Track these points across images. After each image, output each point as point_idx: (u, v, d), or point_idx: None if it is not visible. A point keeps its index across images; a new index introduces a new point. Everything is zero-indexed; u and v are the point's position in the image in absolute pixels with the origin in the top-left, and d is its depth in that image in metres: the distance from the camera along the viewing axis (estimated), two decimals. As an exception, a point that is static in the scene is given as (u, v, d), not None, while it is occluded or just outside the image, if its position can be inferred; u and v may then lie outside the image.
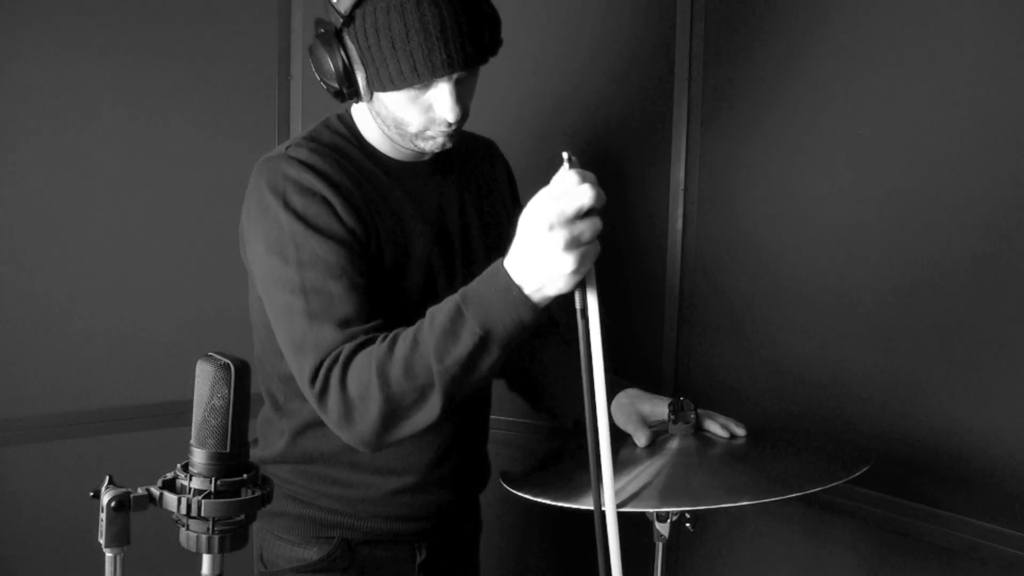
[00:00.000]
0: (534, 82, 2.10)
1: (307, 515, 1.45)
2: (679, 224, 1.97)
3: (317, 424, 1.38)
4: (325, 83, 1.30)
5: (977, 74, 1.55)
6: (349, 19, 1.24)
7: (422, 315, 1.29)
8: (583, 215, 1.06)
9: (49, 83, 2.05)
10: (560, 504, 1.17)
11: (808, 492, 1.16)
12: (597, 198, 1.06)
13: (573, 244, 1.05)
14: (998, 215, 1.53)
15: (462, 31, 1.23)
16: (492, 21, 1.33)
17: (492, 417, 1.61)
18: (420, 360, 1.13)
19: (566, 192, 1.06)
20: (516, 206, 1.59)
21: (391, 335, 1.18)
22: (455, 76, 1.26)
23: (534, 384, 1.60)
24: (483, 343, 1.10)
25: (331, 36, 1.26)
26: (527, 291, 1.08)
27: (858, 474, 1.19)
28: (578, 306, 1.06)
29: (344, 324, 1.22)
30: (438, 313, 1.13)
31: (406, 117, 1.30)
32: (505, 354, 1.12)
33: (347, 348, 1.20)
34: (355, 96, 1.30)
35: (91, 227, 2.12)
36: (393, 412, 1.17)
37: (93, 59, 2.09)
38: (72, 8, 2.05)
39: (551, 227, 1.05)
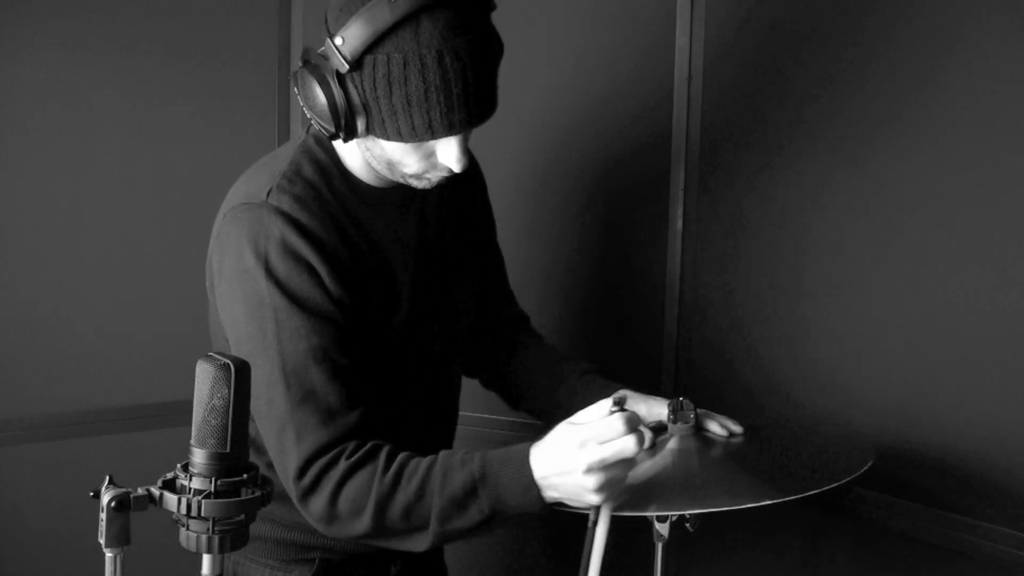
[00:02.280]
0: (534, 82, 2.10)
1: (286, 538, 1.41)
2: (679, 224, 1.97)
3: None
4: (318, 122, 1.18)
5: (978, 73, 1.55)
6: (357, 64, 1.13)
7: (408, 345, 1.35)
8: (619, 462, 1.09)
9: (49, 83, 2.05)
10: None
11: (810, 494, 1.16)
12: (639, 446, 1.08)
13: (604, 486, 1.09)
14: (998, 214, 1.53)
15: (482, 86, 1.16)
16: (501, 57, 1.23)
17: (468, 414, 1.60)
18: (422, 511, 1.15)
19: (610, 439, 1.08)
20: (485, 208, 1.58)
21: (395, 466, 1.17)
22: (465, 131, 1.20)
23: (513, 384, 1.59)
24: (488, 522, 1.14)
25: (329, 75, 1.15)
26: (545, 494, 1.12)
27: (859, 473, 1.19)
28: (590, 522, 1.11)
29: (328, 416, 1.19)
30: (451, 475, 1.15)
31: (404, 160, 1.23)
32: (504, 527, 1.17)
33: (343, 464, 1.18)
34: (350, 137, 1.19)
35: (91, 227, 2.12)
36: (377, 536, 1.19)
37: (93, 59, 2.09)
38: (72, 8, 2.05)
39: (589, 469, 1.08)
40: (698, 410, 1.35)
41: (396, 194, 1.36)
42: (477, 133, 1.59)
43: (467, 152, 1.23)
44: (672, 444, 1.32)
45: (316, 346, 1.20)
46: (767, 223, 1.85)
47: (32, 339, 2.07)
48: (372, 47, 1.12)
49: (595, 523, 1.10)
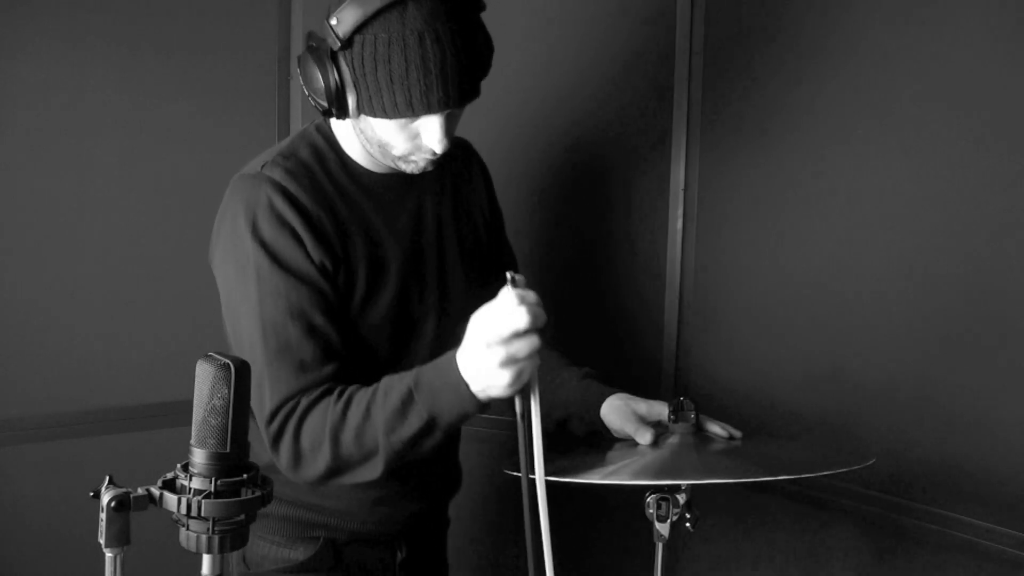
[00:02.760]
0: (534, 83, 2.11)
1: (292, 516, 1.46)
2: (679, 224, 1.97)
3: None
4: (314, 99, 1.28)
5: (977, 74, 1.55)
6: (347, 43, 1.22)
7: (396, 326, 1.40)
8: (520, 334, 1.09)
9: (49, 83, 2.05)
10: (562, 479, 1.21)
11: (810, 476, 1.16)
12: (533, 320, 1.09)
13: (509, 362, 1.10)
14: (999, 215, 1.53)
15: (461, 69, 1.23)
16: (488, 53, 1.32)
17: (480, 416, 1.61)
18: (370, 431, 1.20)
19: (503, 313, 1.10)
20: (492, 206, 1.61)
21: (346, 395, 1.24)
22: (445, 113, 1.27)
23: None
24: (428, 428, 1.18)
25: (324, 54, 1.25)
26: (473, 389, 1.15)
27: (859, 467, 1.19)
28: (518, 411, 1.11)
29: (300, 369, 1.26)
30: (392, 391, 1.20)
31: (392, 141, 1.30)
32: (447, 436, 1.21)
33: (304, 401, 1.25)
34: (343, 115, 1.28)
35: (91, 227, 2.12)
36: (339, 468, 1.24)
37: (93, 59, 2.09)
38: (72, 7, 2.05)
39: (488, 345, 1.10)
40: (700, 415, 1.36)
41: (395, 181, 1.41)
42: (478, 134, 1.59)
43: (450, 135, 1.29)
44: (672, 440, 1.32)
45: (294, 304, 1.27)
46: (767, 223, 1.85)
47: (32, 339, 2.06)
48: (362, 27, 1.21)
49: (523, 415, 1.11)
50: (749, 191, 1.87)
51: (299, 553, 1.46)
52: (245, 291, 1.29)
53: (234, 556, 1.50)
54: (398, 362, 1.40)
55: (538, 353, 1.11)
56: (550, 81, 2.11)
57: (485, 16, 1.30)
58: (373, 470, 1.23)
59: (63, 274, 2.09)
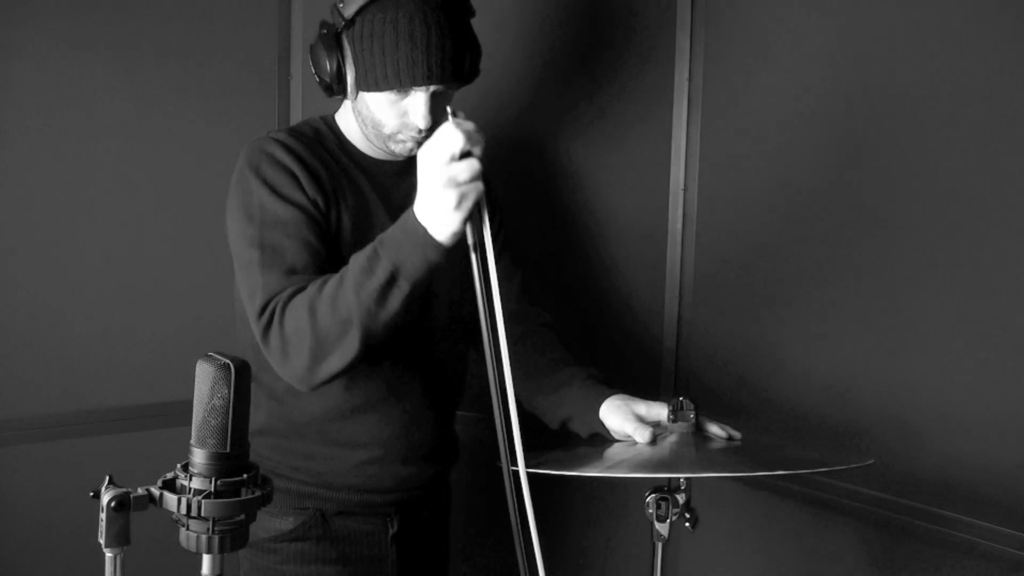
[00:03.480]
0: (534, 82, 2.11)
1: (283, 487, 1.51)
2: (679, 224, 1.97)
3: (288, 394, 1.50)
4: (319, 77, 1.46)
5: (976, 71, 1.55)
6: (350, 23, 1.40)
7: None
8: (461, 159, 1.19)
9: (49, 83, 2.05)
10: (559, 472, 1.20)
11: (809, 472, 1.16)
12: (468, 141, 1.18)
13: (450, 184, 1.18)
14: (999, 214, 1.53)
15: (444, 51, 1.39)
16: (474, 51, 1.48)
17: (471, 415, 1.61)
18: (343, 296, 1.27)
19: (441, 139, 1.20)
20: (493, 207, 1.63)
21: (321, 279, 1.33)
22: (431, 89, 1.40)
23: (517, 385, 1.61)
24: (393, 278, 1.25)
25: (331, 37, 1.43)
26: (431, 231, 1.22)
27: (860, 465, 1.19)
28: (470, 241, 1.18)
29: (291, 272, 1.37)
30: (360, 255, 1.29)
31: (383, 118, 1.44)
32: (414, 289, 1.26)
33: (288, 291, 1.34)
34: (343, 92, 1.45)
35: (91, 227, 2.12)
36: (320, 346, 1.29)
37: (93, 59, 2.09)
38: (72, 8, 2.05)
39: (430, 172, 1.20)
40: (699, 415, 1.36)
41: (390, 167, 1.55)
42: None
43: (434, 115, 1.41)
44: (671, 439, 1.32)
45: (291, 225, 1.39)
46: (767, 223, 1.85)
47: (32, 339, 2.06)
48: (363, 9, 1.38)
49: (475, 246, 1.17)
50: (749, 191, 1.87)
51: (288, 523, 1.53)
52: (248, 222, 1.41)
53: None
54: (395, 337, 1.46)
55: (479, 175, 1.19)
56: (550, 81, 2.11)
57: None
58: (352, 343, 1.28)
59: (63, 274, 2.09)
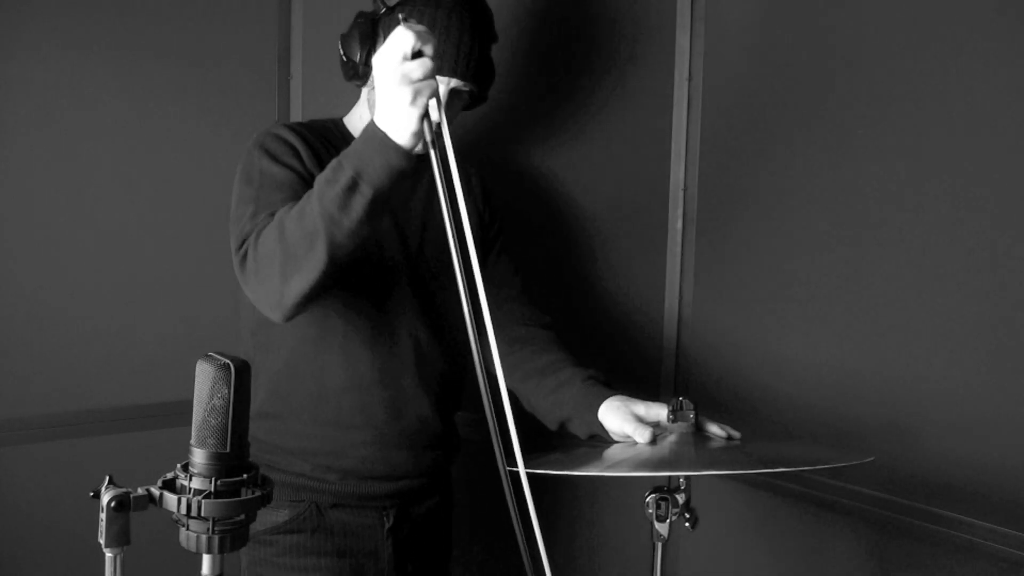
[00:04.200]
0: (533, 82, 2.10)
1: (279, 480, 1.51)
2: (679, 224, 1.98)
3: (283, 374, 1.55)
4: (347, 58, 1.53)
5: (976, 73, 1.55)
6: (391, 10, 1.48)
7: (365, 295, 1.54)
8: (414, 59, 1.23)
9: (49, 83, 2.05)
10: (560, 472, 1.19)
11: (809, 469, 1.16)
12: (417, 39, 1.22)
13: (404, 80, 1.21)
14: (999, 215, 1.53)
15: (471, 53, 1.49)
16: (490, 73, 1.60)
17: (472, 415, 1.61)
18: (308, 208, 1.29)
19: (392, 41, 1.24)
20: (492, 212, 1.73)
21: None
22: (452, 84, 1.48)
23: (519, 385, 1.63)
24: (355, 182, 1.26)
25: (368, 24, 1.51)
26: (390, 134, 1.24)
27: (860, 462, 1.19)
28: (427, 138, 1.22)
29: (273, 213, 1.38)
30: (325, 170, 1.31)
31: None
32: (377, 194, 1.26)
33: (264, 220, 1.37)
34: (366, 77, 1.52)
35: (91, 227, 2.12)
36: (288, 260, 1.30)
37: (93, 59, 2.09)
38: (72, 8, 2.05)
39: (385, 70, 1.23)
40: (699, 415, 1.36)
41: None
42: (477, 135, 1.59)
43: (450, 110, 1.47)
44: (671, 439, 1.32)
45: (284, 183, 1.43)
46: (767, 223, 1.85)
47: (32, 339, 2.06)
48: (406, 1, 1.47)
49: (433, 142, 1.19)
50: (749, 191, 1.87)
51: (283, 515, 1.54)
52: (247, 184, 1.46)
53: None
54: (387, 329, 1.53)
55: (432, 76, 1.23)
56: (549, 81, 2.11)
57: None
58: (319, 255, 1.28)
59: (63, 274, 2.09)
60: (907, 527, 1.66)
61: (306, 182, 1.44)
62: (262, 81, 2.31)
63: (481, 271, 1.25)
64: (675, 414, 1.34)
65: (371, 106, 1.54)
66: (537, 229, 2.11)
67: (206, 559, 0.91)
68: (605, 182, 2.08)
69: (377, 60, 1.25)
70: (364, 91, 1.59)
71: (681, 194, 1.96)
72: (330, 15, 2.28)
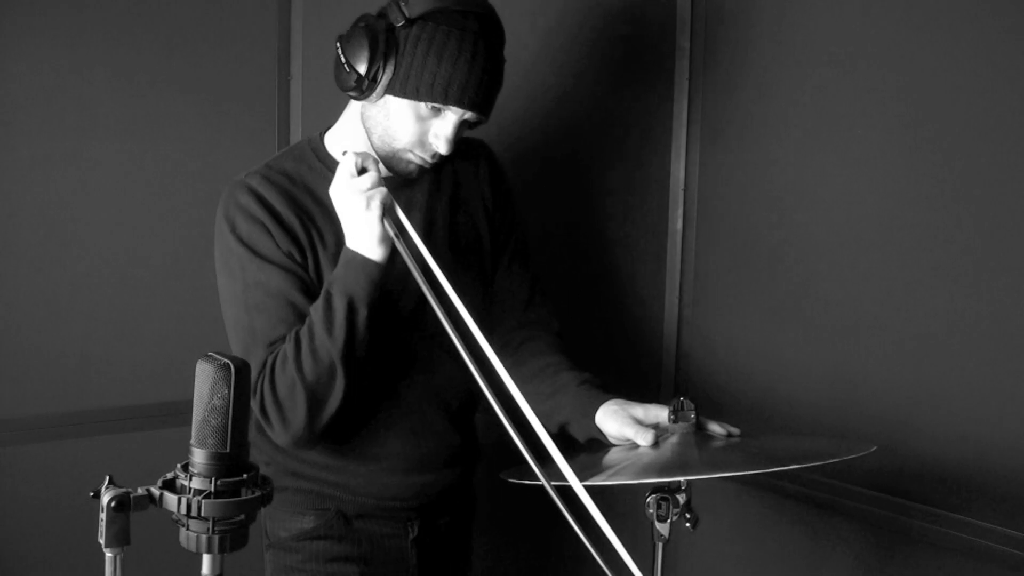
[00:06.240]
0: (534, 82, 2.10)
1: (305, 488, 1.54)
2: (679, 224, 1.97)
3: None
4: (349, 67, 1.39)
5: (976, 71, 1.55)
6: (410, 23, 1.37)
7: (378, 331, 1.47)
8: (356, 175, 1.34)
9: (49, 83, 2.05)
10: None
11: (816, 464, 1.16)
12: (359, 159, 1.35)
13: (356, 192, 1.33)
14: (999, 215, 1.53)
15: (489, 84, 1.42)
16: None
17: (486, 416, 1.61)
18: (320, 345, 1.36)
19: (339, 171, 1.37)
20: (499, 199, 1.66)
21: (293, 335, 1.39)
22: (465, 115, 1.41)
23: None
24: (351, 307, 1.35)
25: (382, 31, 1.37)
26: (361, 252, 1.35)
27: (864, 453, 1.19)
28: (391, 232, 1.32)
29: (273, 343, 1.41)
30: (318, 303, 1.38)
31: (403, 130, 1.42)
32: (371, 310, 1.36)
33: (269, 361, 1.40)
34: (369, 91, 1.40)
35: (91, 227, 2.12)
36: (315, 399, 1.37)
37: (93, 59, 2.09)
38: (72, 8, 2.05)
39: (339, 194, 1.35)
40: (699, 415, 1.36)
41: (384, 182, 1.48)
42: (476, 133, 1.59)
43: (455, 142, 1.43)
44: (672, 440, 1.32)
45: (273, 286, 1.42)
46: (767, 223, 1.85)
47: (32, 339, 2.07)
48: (430, 14, 1.36)
49: (397, 235, 1.31)
50: (749, 191, 1.87)
51: (309, 521, 1.54)
52: (232, 281, 1.45)
53: (262, 530, 1.60)
54: (389, 345, 1.48)
55: (378, 182, 1.33)
56: (549, 81, 2.11)
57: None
58: (340, 385, 1.37)
59: (63, 274, 2.09)
60: (907, 527, 1.66)
61: (287, 271, 1.43)
62: (262, 81, 2.31)
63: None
64: (676, 414, 1.34)
65: (367, 121, 1.46)
66: (537, 229, 2.11)
67: (206, 559, 0.91)
68: (605, 182, 2.08)
69: (333, 192, 1.36)
70: (356, 105, 1.49)
71: (681, 194, 1.96)
72: (330, 15, 2.28)
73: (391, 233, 1.32)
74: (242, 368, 0.89)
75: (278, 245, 1.43)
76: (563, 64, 2.10)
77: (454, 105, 1.39)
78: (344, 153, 1.37)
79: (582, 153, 2.09)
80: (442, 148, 1.43)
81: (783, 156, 1.82)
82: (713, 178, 1.93)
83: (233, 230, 1.44)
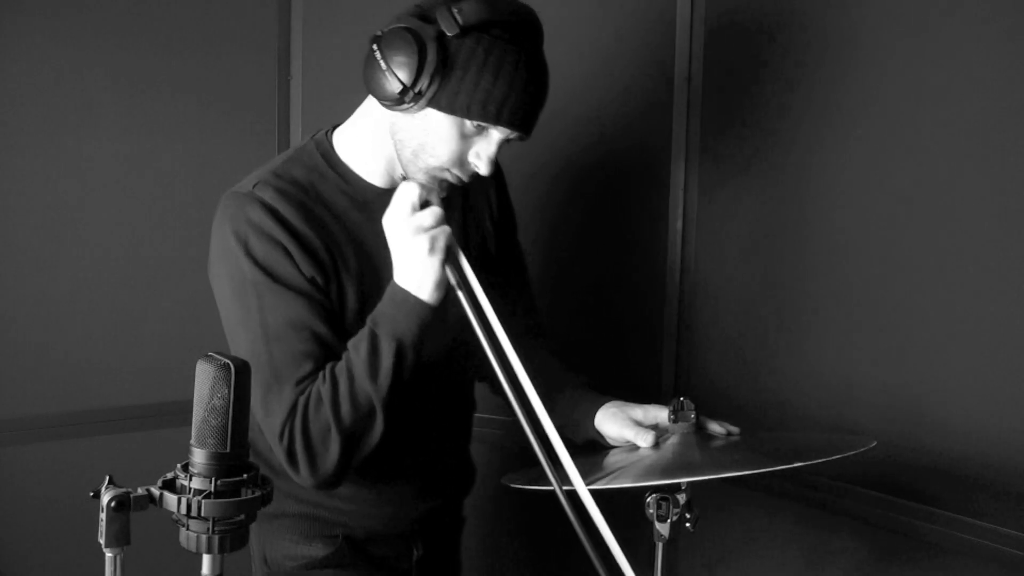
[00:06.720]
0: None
1: (309, 514, 1.46)
2: (679, 224, 1.97)
3: None
4: (391, 72, 1.22)
5: (978, 75, 1.55)
6: (464, 33, 1.21)
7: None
8: (418, 207, 1.23)
9: (49, 83, 2.05)
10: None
11: (812, 463, 1.15)
12: (422, 190, 1.23)
13: (418, 231, 1.21)
14: (998, 215, 1.53)
15: (540, 103, 1.31)
16: None
17: (486, 416, 1.61)
18: (360, 389, 1.25)
19: (397, 199, 1.24)
20: (504, 211, 1.60)
21: (328, 374, 1.27)
22: (511, 136, 1.30)
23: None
24: (401, 353, 1.25)
25: (429, 36, 1.21)
26: (415, 293, 1.24)
27: (865, 448, 1.19)
28: (452, 281, 1.22)
29: (302, 381, 1.29)
30: (360, 343, 1.26)
31: (438, 149, 1.28)
32: (419, 353, 1.27)
33: (301, 402, 1.28)
34: (413, 103, 1.24)
35: (91, 227, 2.12)
36: (349, 444, 1.27)
37: (93, 59, 2.09)
38: (72, 8, 2.05)
39: (397, 226, 1.23)
40: (699, 415, 1.36)
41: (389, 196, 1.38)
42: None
43: (495, 164, 1.32)
44: (673, 440, 1.32)
45: (294, 315, 1.29)
46: (767, 223, 1.85)
47: (32, 339, 2.07)
48: (486, 25, 1.22)
49: (459, 284, 1.20)
50: (749, 191, 1.87)
51: (318, 550, 1.47)
52: (245, 309, 1.30)
53: (255, 558, 1.52)
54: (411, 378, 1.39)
55: (443, 219, 1.22)
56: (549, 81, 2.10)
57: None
58: (377, 428, 1.27)
59: (63, 274, 2.09)
60: (907, 527, 1.66)
61: (309, 298, 1.30)
62: (262, 81, 2.31)
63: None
64: (676, 414, 1.34)
65: (399, 132, 1.31)
66: (537, 229, 2.11)
67: (206, 559, 0.90)
68: (605, 182, 2.08)
69: (387, 221, 1.24)
70: (373, 106, 1.34)
71: (681, 194, 1.96)
72: (330, 15, 2.28)
73: (452, 281, 1.21)
74: (242, 368, 0.89)
75: (300, 269, 1.29)
76: (563, 65, 2.10)
77: (505, 126, 1.27)
78: (403, 179, 1.25)
79: (581, 154, 2.09)
80: (483, 169, 1.31)
81: (783, 156, 1.82)
82: (713, 178, 1.93)
83: (247, 251, 1.28)
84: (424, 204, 1.23)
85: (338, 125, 1.43)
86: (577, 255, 2.12)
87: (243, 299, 1.30)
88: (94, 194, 2.12)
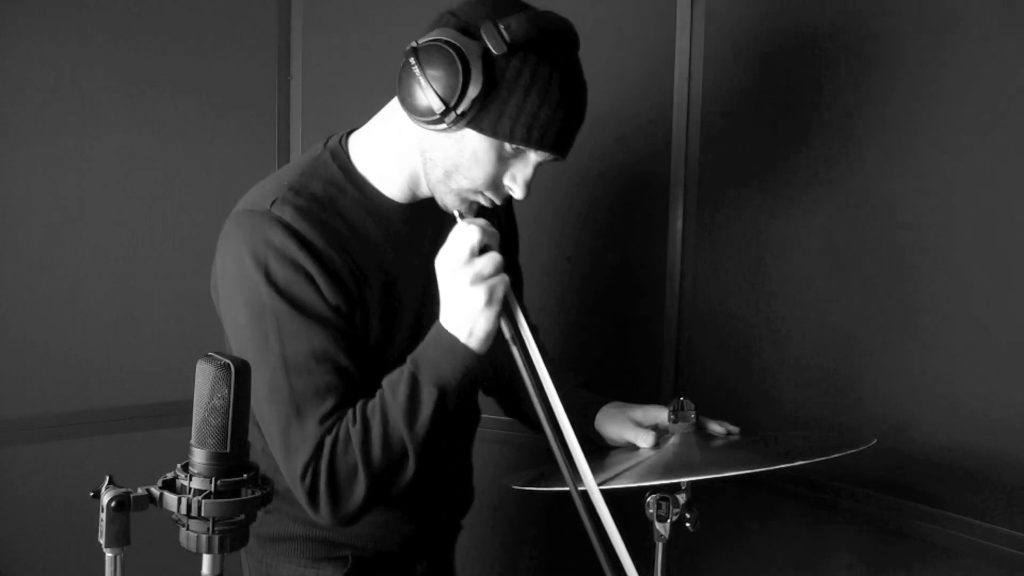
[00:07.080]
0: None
1: (316, 536, 1.40)
2: (679, 224, 1.97)
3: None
4: (433, 89, 1.13)
5: (977, 73, 1.55)
6: (514, 50, 1.14)
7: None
8: (480, 253, 1.15)
9: (49, 83, 2.05)
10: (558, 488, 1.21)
11: (813, 461, 1.16)
12: (483, 235, 1.15)
13: (477, 279, 1.14)
14: (997, 214, 1.53)
15: (578, 130, 1.24)
16: None
17: (487, 417, 1.61)
18: (394, 433, 1.19)
19: (456, 239, 1.16)
20: (510, 215, 1.57)
21: (359, 414, 1.20)
22: (548, 159, 1.24)
23: (509, 391, 1.60)
24: (442, 400, 1.18)
25: (473, 54, 1.13)
26: (463, 340, 1.16)
27: (865, 447, 1.19)
28: (507, 336, 1.15)
29: (326, 418, 1.21)
30: (398, 386, 1.19)
31: (472, 172, 1.21)
32: (461, 401, 1.20)
33: (328, 442, 1.20)
34: (458, 121, 1.16)
35: (91, 227, 2.12)
36: (378, 488, 1.21)
37: (93, 59, 2.09)
38: (72, 8, 2.06)
39: (453, 271, 1.15)
40: (699, 415, 1.36)
41: (415, 212, 1.33)
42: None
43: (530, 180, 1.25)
44: (673, 440, 1.32)
45: (317, 347, 1.21)
46: (767, 223, 1.85)
47: (32, 339, 2.07)
48: (531, 44, 1.14)
49: (513, 339, 1.14)
50: (749, 191, 1.87)
51: (327, 572, 1.42)
52: (264, 338, 1.21)
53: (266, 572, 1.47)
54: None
55: (501, 267, 1.14)
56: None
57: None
58: (407, 472, 1.22)
59: (63, 274, 2.10)
60: (907, 527, 1.66)
61: (333, 328, 1.22)
62: (262, 81, 2.31)
63: None
64: (676, 414, 1.34)
65: (430, 151, 1.23)
66: (537, 229, 2.11)
67: (206, 559, 0.90)
68: (605, 182, 2.08)
69: (440, 262, 1.16)
70: (396, 115, 1.26)
71: (681, 194, 1.96)
72: (330, 15, 2.28)
73: (507, 335, 1.14)
74: (242, 368, 0.89)
75: (323, 297, 1.21)
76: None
77: (548, 151, 1.21)
78: (461, 216, 1.17)
79: (581, 154, 2.09)
80: (518, 193, 1.24)
81: (783, 156, 1.82)
82: (713, 177, 1.93)
83: (268, 277, 1.19)
84: (484, 249, 1.15)
85: (352, 131, 1.34)
86: (577, 255, 2.12)
87: (261, 328, 1.21)
88: (94, 194, 2.12)
